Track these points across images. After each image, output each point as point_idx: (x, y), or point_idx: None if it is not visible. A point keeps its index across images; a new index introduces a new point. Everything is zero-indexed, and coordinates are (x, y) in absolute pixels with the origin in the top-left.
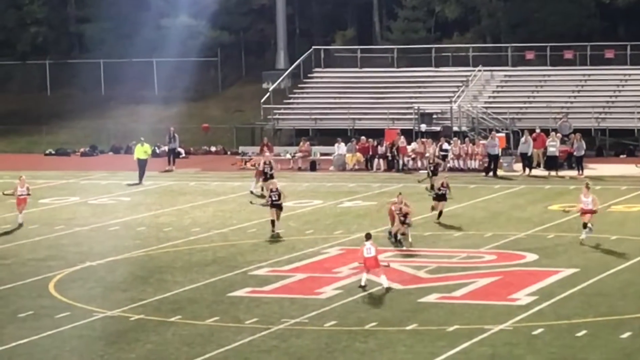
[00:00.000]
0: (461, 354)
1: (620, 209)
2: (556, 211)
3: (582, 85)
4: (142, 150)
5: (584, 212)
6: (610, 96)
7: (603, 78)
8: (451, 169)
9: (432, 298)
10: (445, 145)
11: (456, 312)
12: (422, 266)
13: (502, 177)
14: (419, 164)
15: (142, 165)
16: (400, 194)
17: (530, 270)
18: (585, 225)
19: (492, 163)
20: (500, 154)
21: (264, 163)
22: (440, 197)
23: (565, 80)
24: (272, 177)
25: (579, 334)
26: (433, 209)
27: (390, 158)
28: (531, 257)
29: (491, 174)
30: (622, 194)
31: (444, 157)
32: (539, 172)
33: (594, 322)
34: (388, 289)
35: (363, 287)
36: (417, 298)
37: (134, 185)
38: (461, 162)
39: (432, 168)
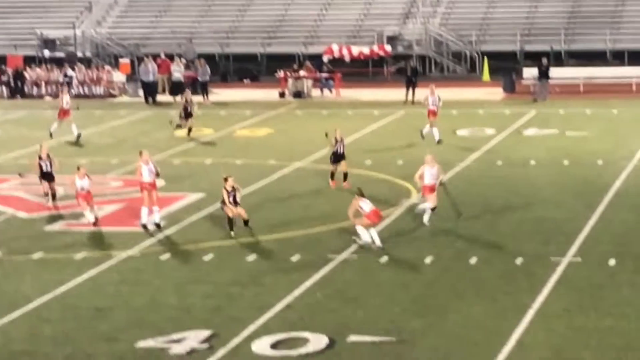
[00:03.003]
0: (89, 281)
1: (246, 134)
2: (182, 137)
3: (206, 11)
4: None
5: (427, 189)
6: (234, 21)
7: (226, 3)
8: (76, 96)
9: (58, 226)
10: (70, 72)
11: (83, 240)
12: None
13: (158, 104)
14: (43, 90)
15: None
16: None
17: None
18: (434, 209)
19: (147, 91)
20: (151, 80)
21: None
22: (340, 157)
23: (189, 5)
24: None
25: (206, 258)
26: (333, 175)
27: (13, 85)
28: (157, 182)
29: (150, 101)
30: (247, 118)
31: (69, 84)
32: (164, 97)
33: (220, 246)
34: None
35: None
36: (43, 226)
37: None
38: (86, 89)
39: (183, 113)
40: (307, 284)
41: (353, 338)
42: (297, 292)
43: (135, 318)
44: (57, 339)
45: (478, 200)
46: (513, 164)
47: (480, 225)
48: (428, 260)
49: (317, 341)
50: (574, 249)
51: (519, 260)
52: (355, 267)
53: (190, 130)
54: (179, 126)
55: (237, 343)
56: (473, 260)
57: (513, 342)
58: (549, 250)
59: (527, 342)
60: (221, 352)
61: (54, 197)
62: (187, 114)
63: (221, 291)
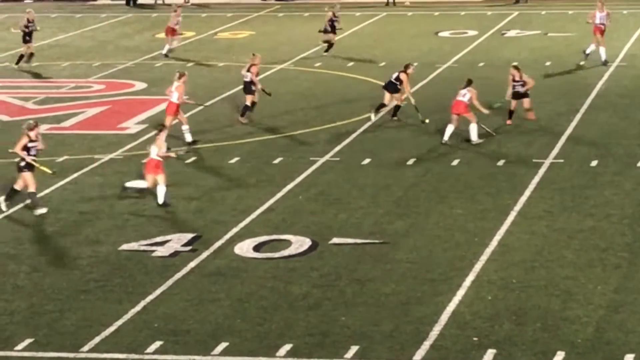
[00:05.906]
0: (72, 184)
1: (227, 36)
2: (163, 39)
3: None
4: None
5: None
6: None
7: None
8: None
9: (41, 129)
10: None
11: (66, 143)
12: (30, 97)
13: (140, 6)
14: None
15: None
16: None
17: (139, 98)
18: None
19: None
20: None
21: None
22: (519, 96)
23: None
24: None
25: (189, 161)
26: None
27: None
28: (140, 85)
29: (131, 3)
30: (228, 21)
31: None
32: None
33: (202, 149)
34: None
35: None
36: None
37: None
38: None
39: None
40: (290, 186)
41: (336, 240)
42: (279, 195)
43: (119, 221)
44: (41, 243)
45: None
46: (495, 66)
47: (462, 126)
48: (410, 162)
49: (299, 243)
50: (556, 150)
51: (501, 162)
52: (337, 170)
53: (329, 45)
54: (328, 44)
55: (220, 245)
56: (455, 162)
57: (495, 244)
58: (531, 151)
59: (509, 243)
60: (204, 254)
61: None
62: (331, 29)
63: (204, 194)
